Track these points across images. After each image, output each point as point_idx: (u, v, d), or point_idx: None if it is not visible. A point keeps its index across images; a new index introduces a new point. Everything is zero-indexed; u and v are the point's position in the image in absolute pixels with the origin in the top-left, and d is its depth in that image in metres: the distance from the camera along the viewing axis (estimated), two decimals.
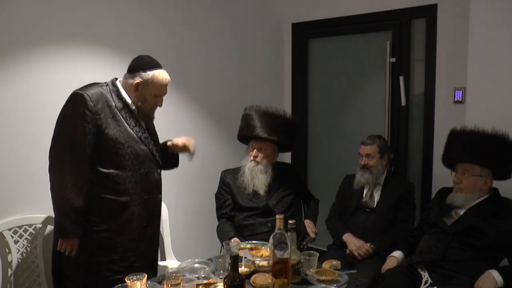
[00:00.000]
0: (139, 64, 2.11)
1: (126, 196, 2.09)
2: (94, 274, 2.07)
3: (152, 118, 2.24)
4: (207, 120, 3.41)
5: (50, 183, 2.03)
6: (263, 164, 2.72)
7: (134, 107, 2.13)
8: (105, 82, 2.13)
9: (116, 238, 2.09)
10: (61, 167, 1.99)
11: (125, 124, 2.08)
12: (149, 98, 2.12)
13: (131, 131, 2.10)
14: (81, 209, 2.00)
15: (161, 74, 2.12)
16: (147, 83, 2.09)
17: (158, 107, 2.21)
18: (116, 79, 2.15)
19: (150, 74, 2.09)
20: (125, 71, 2.16)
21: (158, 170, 2.24)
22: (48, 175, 2.04)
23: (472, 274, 2.15)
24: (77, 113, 1.98)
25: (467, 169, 2.32)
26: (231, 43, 3.52)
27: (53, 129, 2.04)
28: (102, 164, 2.04)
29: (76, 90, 2.03)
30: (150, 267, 2.25)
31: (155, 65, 2.13)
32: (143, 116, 2.16)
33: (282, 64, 3.99)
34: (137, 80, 2.08)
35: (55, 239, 2.09)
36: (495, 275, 2.08)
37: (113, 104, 2.06)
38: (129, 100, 2.11)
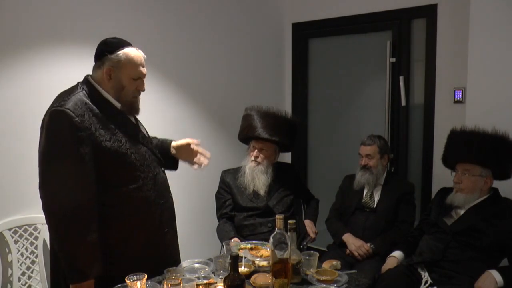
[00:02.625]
0: (104, 48, 1.80)
1: (143, 208, 1.87)
2: None
3: (137, 109, 1.91)
4: (207, 120, 3.41)
5: (49, 225, 1.71)
6: (264, 165, 2.72)
7: (119, 105, 1.85)
8: (78, 85, 1.82)
9: (141, 255, 1.88)
10: (61, 202, 1.68)
11: (118, 129, 1.80)
12: (126, 83, 1.81)
13: (126, 134, 1.84)
14: (96, 243, 1.71)
15: (132, 52, 1.81)
16: (119, 65, 1.78)
17: (141, 97, 1.92)
18: (87, 76, 1.86)
19: (119, 54, 1.78)
20: None
21: (162, 168, 2.04)
22: (44, 215, 1.71)
23: (472, 274, 2.15)
24: (66, 137, 1.68)
25: (467, 169, 2.32)
26: (231, 43, 3.52)
27: (38, 158, 1.73)
28: (111, 183, 1.79)
29: (54, 107, 1.71)
30: None
31: (123, 44, 1.81)
32: (126, 109, 1.86)
33: (282, 64, 3.98)
34: (107, 66, 1.78)
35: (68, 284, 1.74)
36: (495, 275, 2.08)
37: (98, 111, 1.76)
38: (110, 98, 1.82)
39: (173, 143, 2.13)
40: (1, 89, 2.34)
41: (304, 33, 3.88)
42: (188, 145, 2.11)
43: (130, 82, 1.83)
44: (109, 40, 1.83)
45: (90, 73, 1.88)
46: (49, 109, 1.75)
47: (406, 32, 3.29)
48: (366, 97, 3.58)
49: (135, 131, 1.91)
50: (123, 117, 1.87)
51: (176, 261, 2.06)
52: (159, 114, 2.98)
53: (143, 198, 1.87)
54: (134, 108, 1.90)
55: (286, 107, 3.94)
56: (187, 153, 2.13)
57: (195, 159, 2.13)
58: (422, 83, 3.26)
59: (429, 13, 3.14)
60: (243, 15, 3.60)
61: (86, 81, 1.84)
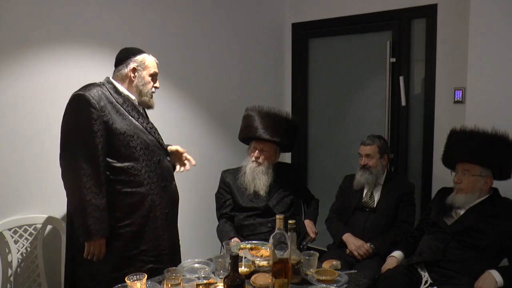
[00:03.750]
0: (128, 53, 2.19)
1: (144, 186, 2.13)
2: (125, 269, 2.05)
3: (153, 103, 2.26)
4: (207, 120, 3.41)
5: (67, 189, 2.03)
6: (265, 165, 2.72)
7: (134, 98, 2.18)
8: (100, 82, 2.16)
9: (142, 229, 2.13)
10: (76, 170, 1.97)
11: (130, 116, 2.12)
12: (147, 79, 2.20)
13: (137, 122, 2.14)
14: (104, 207, 2.00)
15: (149, 56, 2.23)
16: (143, 64, 2.18)
17: (155, 96, 2.28)
18: (108, 77, 2.20)
19: (141, 56, 2.19)
20: None
21: (168, 157, 2.29)
22: (63, 182, 2.03)
23: (472, 274, 2.15)
24: (83, 113, 1.99)
25: (467, 169, 2.32)
26: (231, 43, 3.52)
27: (60, 134, 2.04)
28: (116, 159, 2.07)
29: (76, 92, 2.05)
30: (177, 254, 2.33)
31: (141, 51, 2.23)
32: (144, 103, 2.22)
33: (282, 64, 3.99)
34: (132, 65, 2.16)
35: (81, 242, 2.03)
36: (495, 275, 2.08)
37: (114, 100, 2.10)
38: (127, 93, 2.17)
39: (169, 148, 2.39)
40: (1, 90, 2.34)
41: (304, 33, 3.88)
42: (178, 151, 2.42)
43: (150, 79, 2.21)
44: (129, 47, 2.23)
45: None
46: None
47: (406, 32, 3.29)
48: (366, 97, 3.58)
49: (145, 122, 2.20)
50: (136, 109, 2.18)
51: (175, 244, 2.32)
52: (159, 115, 2.97)
53: (142, 177, 2.13)
54: (150, 100, 2.23)
55: (286, 107, 3.94)
56: (177, 157, 2.44)
57: (182, 164, 2.45)
58: (422, 83, 3.26)
59: (429, 13, 3.14)
60: (243, 15, 3.60)
61: (107, 79, 2.18)
